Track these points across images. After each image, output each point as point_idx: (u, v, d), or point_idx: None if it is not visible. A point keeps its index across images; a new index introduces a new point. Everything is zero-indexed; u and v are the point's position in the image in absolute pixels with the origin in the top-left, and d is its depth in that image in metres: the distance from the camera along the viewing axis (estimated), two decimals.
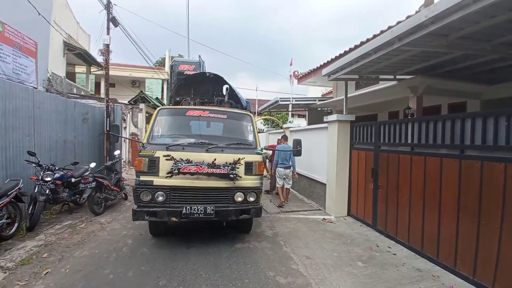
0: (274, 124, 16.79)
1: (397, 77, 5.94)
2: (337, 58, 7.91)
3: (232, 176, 3.86)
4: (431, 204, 3.73)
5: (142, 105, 13.25)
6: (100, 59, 13.77)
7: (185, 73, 6.47)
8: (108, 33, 7.93)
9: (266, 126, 18.17)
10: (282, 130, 9.29)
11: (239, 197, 3.93)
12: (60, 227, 4.89)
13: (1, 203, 4.03)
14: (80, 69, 16.11)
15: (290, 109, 11.17)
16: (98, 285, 3.05)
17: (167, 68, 18.74)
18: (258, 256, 3.87)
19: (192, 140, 4.13)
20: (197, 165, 3.77)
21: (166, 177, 3.75)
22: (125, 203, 6.68)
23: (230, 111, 4.71)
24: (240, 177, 3.91)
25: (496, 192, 2.92)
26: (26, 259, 3.62)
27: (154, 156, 3.77)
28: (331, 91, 11.94)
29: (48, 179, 4.93)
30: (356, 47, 6.45)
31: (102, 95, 13.82)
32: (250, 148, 4.20)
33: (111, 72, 14.02)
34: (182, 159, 3.77)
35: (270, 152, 7.45)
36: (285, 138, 7.08)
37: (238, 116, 4.68)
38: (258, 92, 19.58)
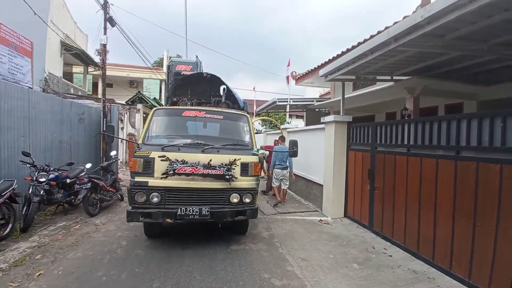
0: (272, 125, 16.78)
1: (394, 78, 5.93)
2: (334, 58, 7.90)
3: (227, 177, 3.83)
4: (427, 206, 3.72)
5: (139, 106, 13.22)
6: (97, 59, 13.70)
7: (182, 73, 6.43)
8: (105, 33, 7.90)
9: (264, 127, 18.14)
10: (280, 131, 9.28)
11: (234, 198, 3.91)
12: (54, 228, 4.85)
13: None
14: (77, 69, 16.05)
15: (287, 110, 11.14)
16: None
17: (165, 68, 18.67)
18: (254, 258, 3.85)
19: (187, 141, 4.10)
20: (192, 166, 3.75)
21: (161, 178, 3.72)
22: (121, 204, 6.63)
23: (226, 112, 4.69)
24: (236, 178, 3.88)
25: (492, 193, 2.91)
26: (20, 260, 3.58)
27: (149, 156, 3.74)
28: (329, 92, 11.93)
29: (43, 179, 4.89)
30: (353, 47, 6.43)
31: (100, 96, 13.78)
32: (246, 149, 4.17)
33: (109, 72, 13.97)
34: (177, 160, 3.74)
35: (267, 153, 7.44)
36: (282, 139, 7.07)
37: (234, 116, 4.65)
38: (256, 92, 19.60)
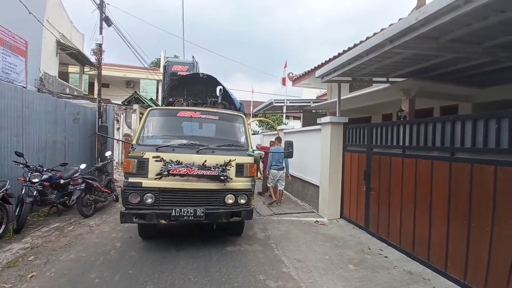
0: (269, 126, 16.78)
1: (390, 79, 5.95)
2: (331, 60, 7.91)
3: (222, 178, 3.81)
4: (422, 207, 3.73)
5: (136, 106, 13.14)
6: (93, 58, 13.63)
7: (178, 73, 6.40)
8: (100, 33, 7.85)
9: (261, 128, 18.14)
10: (276, 132, 9.28)
11: (229, 199, 3.88)
12: (48, 229, 4.79)
13: None
14: (73, 69, 15.94)
15: (284, 111, 11.15)
16: None
17: (162, 69, 18.62)
18: (249, 259, 3.82)
19: (182, 141, 4.07)
20: (187, 166, 3.72)
21: (155, 178, 3.68)
22: (116, 205, 6.57)
23: (222, 112, 4.67)
24: (231, 179, 3.86)
25: (486, 195, 2.92)
26: (12, 261, 3.55)
27: (143, 157, 3.71)
28: (326, 93, 11.95)
29: (36, 180, 4.83)
30: (349, 49, 6.45)
31: (96, 96, 13.68)
32: (242, 149, 4.15)
33: (105, 73, 13.89)
34: (172, 161, 3.71)
35: (262, 153, 7.44)
36: (278, 140, 7.07)
37: (230, 117, 4.63)
38: (254, 93, 19.60)
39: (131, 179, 3.69)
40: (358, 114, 9.70)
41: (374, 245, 4.36)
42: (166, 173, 3.67)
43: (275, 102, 11.10)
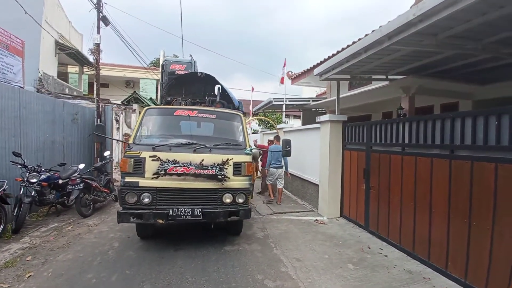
0: (269, 125, 16.75)
1: (389, 77, 5.91)
2: (329, 58, 7.87)
3: (220, 177, 3.78)
4: (422, 205, 3.69)
5: (135, 106, 13.13)
6: (91, 58, 13.60)
7: (176, 72, 6.36)
8: (98, 32, 7.81)
9: (261, 127, 18.10)
10: (276, 131, 9.25)
11: (227, 199, 3.85)
12: (46, 229, 4.78)
13: None
14: (73, 69, 15.93)
15: (283, 109, 11.11)
16: None
17: (160, 68, 18.57)
18: (247, 258, 3.80)
19: (179, 141, 4.04)
20: (184, 165, 3.69)
21: (152, 178, 3.66)
22: (115, 205, 6.54)
23: (219, 111, 4.63)
24: (229, 178, 3.83)
25: (487, 192, 2.88)
26: (10, 261, 3.55)
27: (140, 156, 3.68)
28: (326, 92, 11.90)
29: (34, 180, 4.81)
30: (348, 47, 6.41)
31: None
32: (239, 148, 4.12)
33: (105, 73, 13.86)
34: (168, 160, 3.68)
35: (259, 150, 7.43)
36: (277, 138, 7.05)
37: (227, 116, 4.60)
38: (254, 93, 19.51)
39: (128, 179, 3.66)
40: (358, 113, 9.66)
41: (374, 244, 4.32)
42: (163, 172, 3.65)
43: (275, 101, 11.06)
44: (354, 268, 3.57)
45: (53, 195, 5.25)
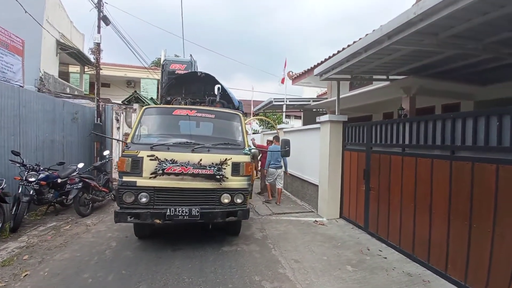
0: (269, 125, 16.73)
1: (390, 77, 5.87)
2: (330, 57, 7.83)
3: (218, 177, 3.75)
4: (422, 206, 3.65)
5: (136, 105, 13.08)
6: (91, 57, 13.62)
7: (176, 72, 6.35)
8: (98, 32, 7.81)
9: (262, 127, 18.08)
10: (276, 131, 9.22)
11: (225, 199, 3.83)
12: (44, 228, 4.77)
13: None
14: (74, 68, 15.94)
15: (284, 109, 11.08)
16: None
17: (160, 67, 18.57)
18: (245, 259, 3.77)
19: (177, 140, 4.02)
20: (182, 165, 3.67)
21: (150, 177, 3.64)
22: (114, 204, 6.51)
23: (218, 111, 4.61)
24: (227, 178, 3.80)
25: (488, 194, 2.83)
26: (7, 260, 3.54)
27: (138, 156, 3.66)
28: (326, 92, 11.86)
29: (32, 179, 4.81)
30: (348, 46, 6.38)
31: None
32: (238, 148, 4.09)
33: (106, 72, 13.88)
34: (166, 159, 3.66)
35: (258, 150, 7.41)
36: (277, 139, 7.03)
37: (226, 115, 4.57)
38: (255, 93, 19.55)
39: (125, 178, 3.64)
40: (358, 113, 9.62)
41: (373, 246, 4.28)
42: (160, 172, 3.63)
43: (275, 101, 11.04)
44: (353, 270, 3.53)
45: (51, 194, 5.25)
